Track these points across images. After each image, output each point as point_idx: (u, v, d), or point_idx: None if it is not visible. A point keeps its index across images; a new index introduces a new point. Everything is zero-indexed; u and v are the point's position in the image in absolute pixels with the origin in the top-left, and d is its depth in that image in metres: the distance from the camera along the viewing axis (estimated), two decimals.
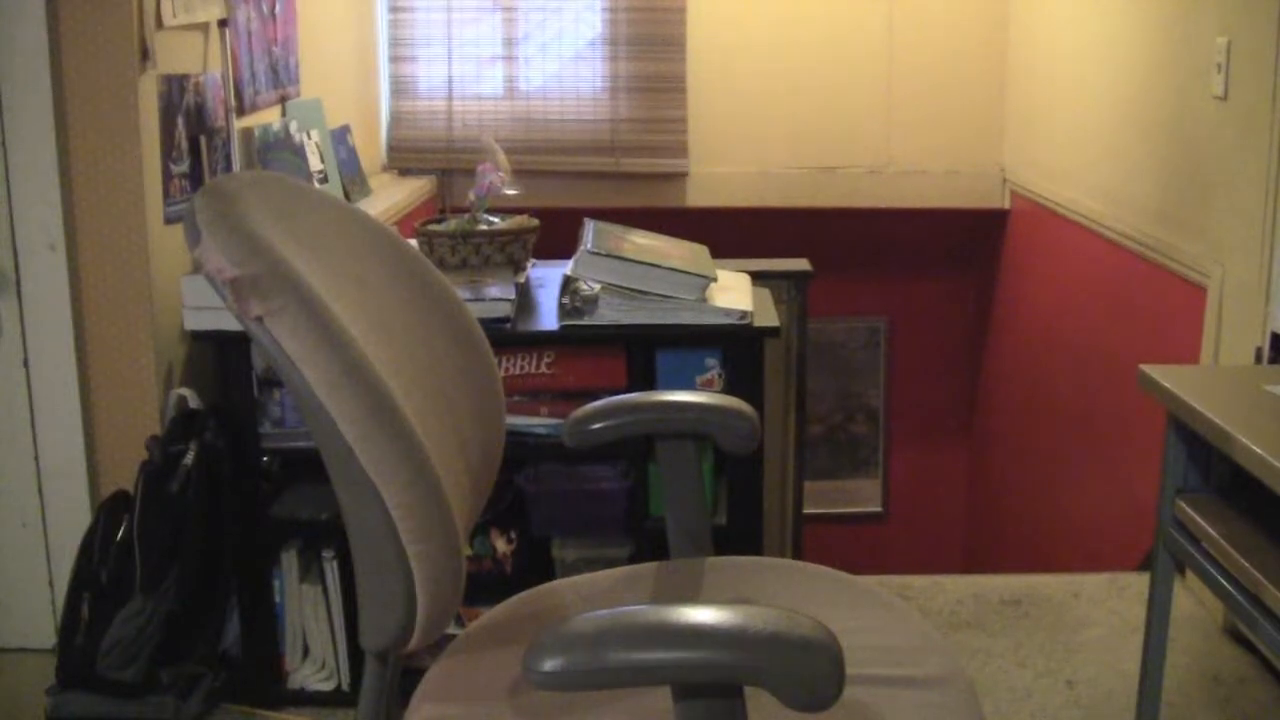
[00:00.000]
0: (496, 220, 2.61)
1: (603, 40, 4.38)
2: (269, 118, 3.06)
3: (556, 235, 2.74)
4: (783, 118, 4.50)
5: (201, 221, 1.17)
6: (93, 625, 2.33)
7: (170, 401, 2.52)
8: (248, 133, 2.89)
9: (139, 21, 2.43)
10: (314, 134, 3.23)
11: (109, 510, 2.40)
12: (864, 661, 1.33)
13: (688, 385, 2.42)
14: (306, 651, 2.52)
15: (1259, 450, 1.68)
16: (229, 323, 2.25)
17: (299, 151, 3.10)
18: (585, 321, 2.36)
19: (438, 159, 4.41)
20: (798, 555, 3.17)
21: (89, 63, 2.43)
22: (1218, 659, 2.68)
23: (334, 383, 1.14)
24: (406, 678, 1.34)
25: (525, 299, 2.52)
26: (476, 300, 2.35)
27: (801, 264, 3.06)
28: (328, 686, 2.52)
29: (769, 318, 2.43)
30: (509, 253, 2.56)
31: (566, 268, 2.41)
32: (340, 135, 3.56)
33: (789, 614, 1.00)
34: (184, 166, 2.61)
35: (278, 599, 2.48)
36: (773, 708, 1.00)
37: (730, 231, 3.35)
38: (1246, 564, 1.76)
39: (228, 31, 2.79)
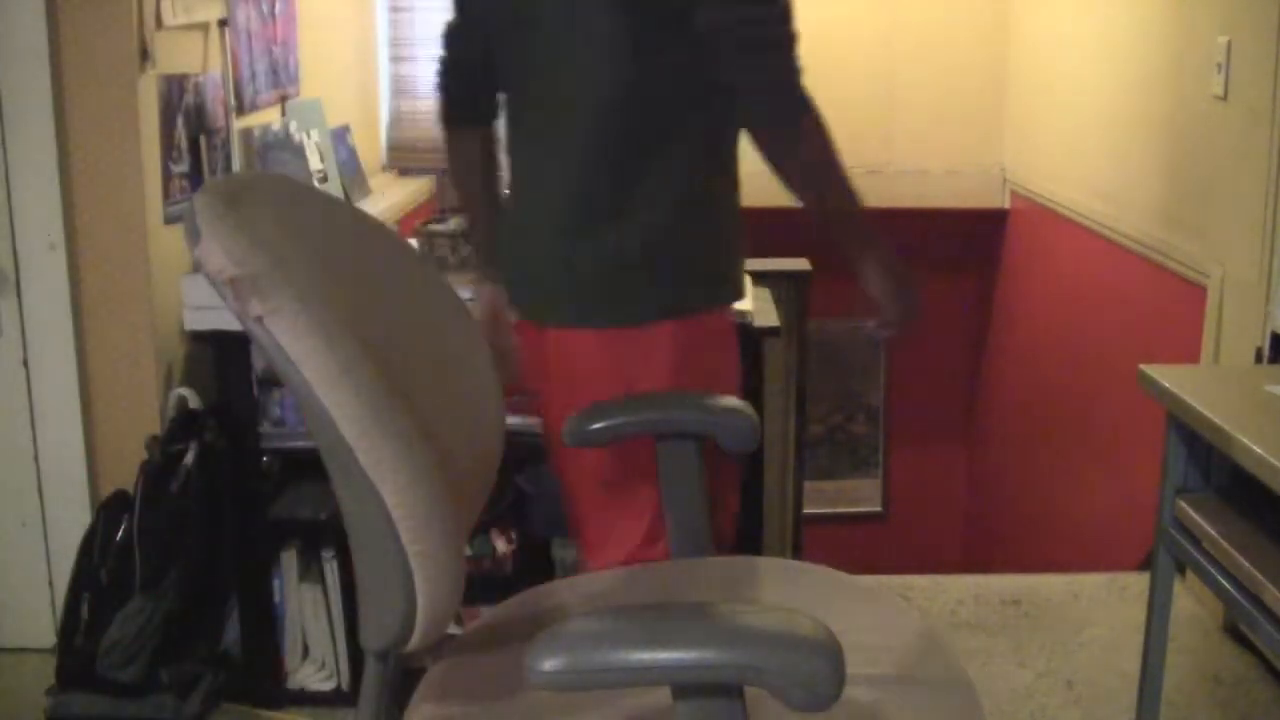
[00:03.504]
0: None
1: None
2: (269, 118, 3.06)
3: None
4: None
5: (201, 221, 1.17)
6: (93, 625, 2.33)
7: (170, 401, 2.52)
8: (248, 133, 2.89)
9: (139, 21, 2.43)
10: (314, 134, 3.23)
11: (109, 510, 2.40)
12: (864, 661, 1.33)
13: None
14: (306, 651, 2.52)
15: (1259, 450, 1.68)
16: (229, 323, 2.25)
17: (299, 151, 3.10)
18: None
19: (438, 159, 4.40)
20: (798, 555, 3.16)
21: (89, 63, 2.43)
22: (1218, 659, 2.68)
23: (334, 382, 1.14)
24: (406, 678, 1.34)
25: None
26: (477, 300, 2.34)
27: (801, 264, 3.06)
28: (328, 686, 2.52)
29: (769, 318, 2.43)
30: None
31: None
32: (340, 135, 3.56)
33: (789, 614, 1.00)
34: (184, 166, 2.61)
35: (278, 599, 2.48)
36: (773, 708, 1.00)
37: None
38: (1246, 564, 1.76)
39: (228, 31, 2.79)
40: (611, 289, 1.76)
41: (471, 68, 1.92)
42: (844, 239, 1.84)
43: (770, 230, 3.24)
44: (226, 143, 2.79)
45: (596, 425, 1.60)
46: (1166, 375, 2.01)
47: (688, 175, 1.77)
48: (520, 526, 2.52)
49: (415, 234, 2.60)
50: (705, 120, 1.77)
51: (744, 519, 2.47)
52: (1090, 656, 2.70)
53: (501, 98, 1.90)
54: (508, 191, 1.92)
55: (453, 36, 1.95)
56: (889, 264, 1.86)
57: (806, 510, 3.24)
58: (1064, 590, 3.00)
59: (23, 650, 2.63)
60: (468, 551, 2.12)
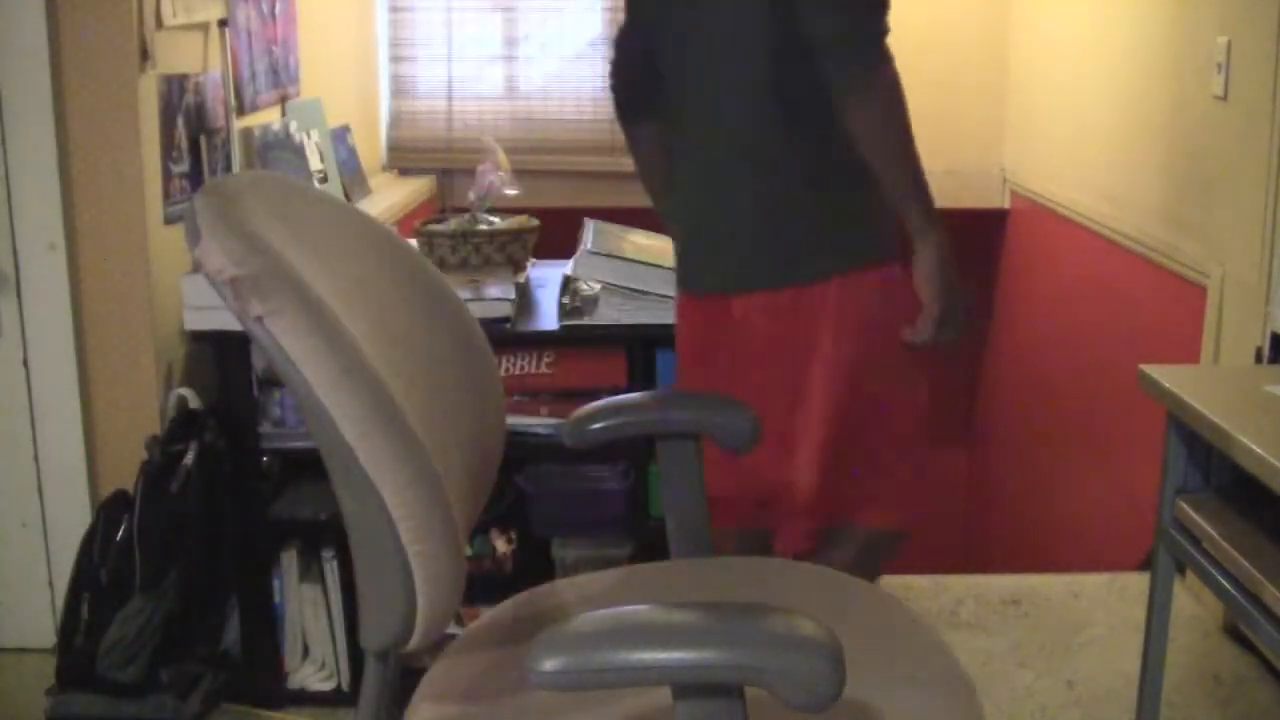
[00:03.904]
0: (496, 220, 2.61)
1: (603, 40, 4.37)
2: (269, 118, 3.06)
3: (556, 235, 2.74)
4: None
5: (202, 221, 1.17)
6: (93, 625, 2.33)
7: (170, 401, 2.52)
8: (248, 133, 2.89)
9: (139, 21, 2.43)
10: (314, 134, 3.23)
11: (109, 510, 2.40)
12: (864, 661, 1.33)
13: None
14: (306, 651, 2.52)
15: (1259, 450, 1.68)
16: (229, 323, 2.25)
17: (299, 151, 3.10)
18: (585, 321, 2.36)
19: (438, 159, 4.41)
20: None
21: (89, 63, 2.43)
22: (1218, 659, 2.68)
23: (334, 382, 1.14)
24: (406, 678, 1.34)
25: (525, 299, 2.52)
26: (476, 300, 2.35)
27: None
28: (328, 686, 2.52)
29: None
30: (509, 253, 2.56)
31: (566, 268, 2.41)
32: (340, 135, 3.56)
33: (789, 614, 1.00)
34: (184, 166, 2.61)
35: (278, 599, 2.48)
36: (773, 708, 1.00)
37: None
38: (1246, 564, 1.76)
39: (228, 31, 2.79)
40: (777, 252, 1.91)
41: (639, 64, 2.06)
42: (904, 216, 1.92)
43: None
44: (226, 143, 2.79)
45: (596, 425, 1.60)
46: (1166, 375, 2.01)
47: (833, 140, 1.87)
48: (520, 526, 2.52)
49: (415, 234, 2.60)
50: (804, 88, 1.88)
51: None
52: (1090, 656, 2.70)
53: None
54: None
55: (622, 37, 2.09)
56: (943, 260, 1.93)
57: None
58: (1064, 590, 3.00)
59: (23, 650, 2.63)
60: (468, 551, 2.12)
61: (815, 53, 1.82)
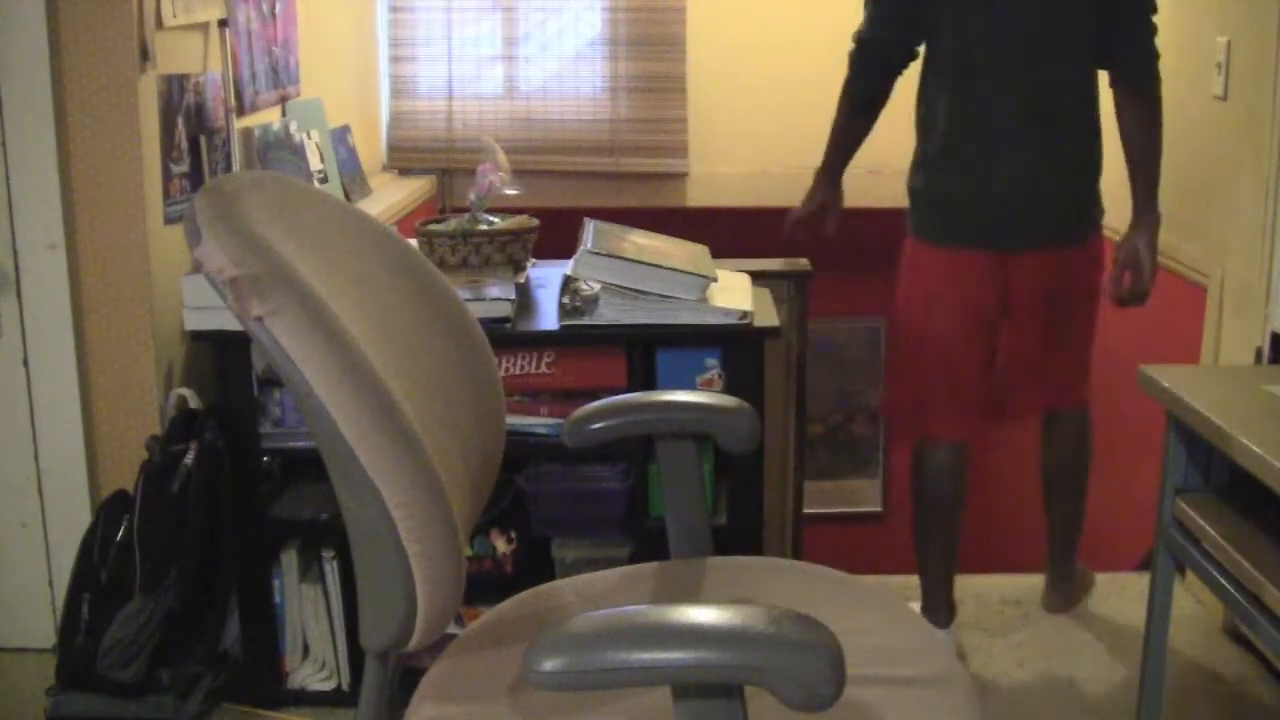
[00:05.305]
0: (496, 220, 2.61)
1: (603, 40, 4.37)
2: (269, 118, 3.06)
3: (556, 235, 2.73)
4: (783, 117, 4.49)
5: (202, 221, 1.17)
6: (93, 625, 2.33)
7: (170, 401, 2.52)
8: (248, 133, 2.89)
9: (139, 21, 2.43)
10: (314, 134, 3.23)
11: (109, 510, 2.40)
12: (864, 661, 1.33)
13: (688, 385, 2.42)
14: (306, 651, 2.52)
15: (1259, 450, 1.68)
16: (229, 323, 2.25)
17: (299, 151, 3.10)
18: (585, 321, 2.36)
19: (438, 159, 4.41)
20: (798, 555, 3.16)
21: (89, 63, 2.43)
22: (1218, 659, 2.68)
23: (334, 383, 1.14)
24: (406, 678, 1.34)
25: (525, 299, 2.52)
26: (476, 300, 2.35)
27: (801, 264, 3.06)
28: (328, 686, 2.52)
29: (769, 318, 2.43)
30: (509, 253, 2.56)
31: (566, 268, 2.41)
32: (340, 135, 3.56)
33: (789, 614, 1.00)
34: (184, 166, 2.61)
35: (278, 599, 2.48)
36: (773, 708, 1.00)
37: (730, 231, 3.35)
38: (1246, 564, 1.76)
39: (228, 31, 2.79)
40: (1072, 219, 2.48)
41: (911, 30, 2.43)
42: (1135, 197, 2.49)
43: (770, 230, 3.26)
44: (226, 143, 2.79)
45: (597, 425, 1.60)
46: (1167, 375, 2.01)
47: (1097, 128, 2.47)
48: (520, 526, 2.52)
49: (415, 234, 2.60)
50: (1095, 85, 2.45)
51: (744, 519, 2.47)
52: (1090, 656, 2.70)
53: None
54: (947, 138, 2.44)
55: (888, 25, 2.47)
56: (1151, 242, 2.47)
57: (806, 510, 3.24)
58: None
59: (23, 650, 2.63)
60: (468, 551, 2.13)
61: (1133, 56, 2.40)
